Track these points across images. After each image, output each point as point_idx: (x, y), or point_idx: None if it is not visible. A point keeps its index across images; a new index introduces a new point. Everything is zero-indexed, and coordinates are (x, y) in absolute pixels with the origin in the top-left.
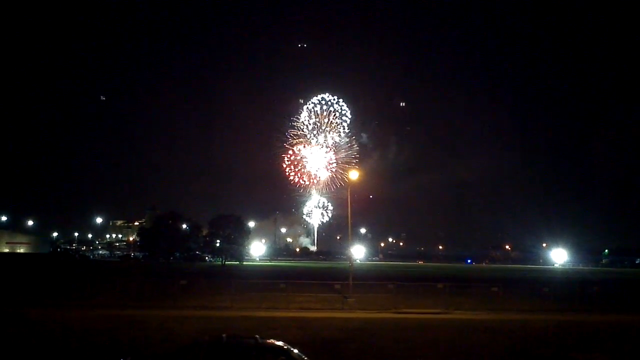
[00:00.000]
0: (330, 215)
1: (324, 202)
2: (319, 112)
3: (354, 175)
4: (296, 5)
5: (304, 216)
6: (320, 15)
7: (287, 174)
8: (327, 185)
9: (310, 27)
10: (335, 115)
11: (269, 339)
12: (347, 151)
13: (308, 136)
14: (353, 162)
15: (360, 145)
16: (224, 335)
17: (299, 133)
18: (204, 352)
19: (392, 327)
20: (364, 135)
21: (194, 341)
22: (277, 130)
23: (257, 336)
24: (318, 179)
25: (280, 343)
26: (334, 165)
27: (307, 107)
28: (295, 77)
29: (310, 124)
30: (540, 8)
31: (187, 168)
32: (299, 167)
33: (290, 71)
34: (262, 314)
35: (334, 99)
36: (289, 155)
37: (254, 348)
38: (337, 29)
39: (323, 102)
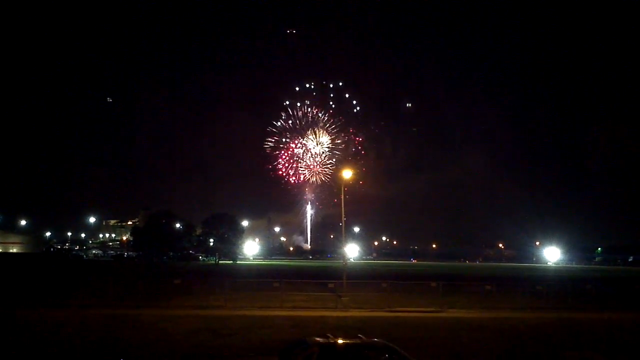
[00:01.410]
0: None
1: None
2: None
3: (347, 174)
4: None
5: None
6: (315, 12)
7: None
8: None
9: (306, 26)
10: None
11: (371, 338)
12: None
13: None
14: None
15: (358, 142)
16: (329, 334)
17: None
18: (318, 350)
19: (386, 326)
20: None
21: (301, 339)
22: (270, 125)
23: (360, 335)
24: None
25: (384, 341)
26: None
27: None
28: (288, 71)
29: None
30: (538, 8)
31: (180, 167)
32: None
33: (283, 68)
34: (256, 312)
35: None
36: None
37: (366, 346)
38: (335, 28)
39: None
